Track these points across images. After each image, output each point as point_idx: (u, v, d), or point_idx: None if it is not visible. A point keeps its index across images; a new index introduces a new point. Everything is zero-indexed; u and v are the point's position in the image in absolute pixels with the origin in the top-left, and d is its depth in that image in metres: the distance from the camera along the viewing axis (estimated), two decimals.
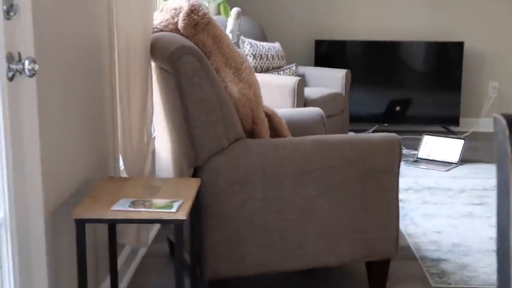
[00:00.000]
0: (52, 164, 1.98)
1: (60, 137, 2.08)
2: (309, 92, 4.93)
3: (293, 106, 4.61)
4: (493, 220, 3.63)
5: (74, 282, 2.22)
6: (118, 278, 2.55)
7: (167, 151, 2.82)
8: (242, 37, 5.09)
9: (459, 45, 5.89)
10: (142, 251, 3.17)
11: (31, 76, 1.74)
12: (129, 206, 2.07)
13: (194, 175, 2.50)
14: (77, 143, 2.24)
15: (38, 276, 1.88)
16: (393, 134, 2.66)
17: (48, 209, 1.96)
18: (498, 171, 1.44)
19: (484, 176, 4.55)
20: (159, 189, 2.25)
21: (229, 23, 4.60)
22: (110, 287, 2.48)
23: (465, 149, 4.96)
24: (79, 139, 2.26)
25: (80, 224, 2.03)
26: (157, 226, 3.51)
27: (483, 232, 3.45)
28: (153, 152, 3.20)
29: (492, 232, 3.44)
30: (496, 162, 1.45)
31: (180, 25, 2.64)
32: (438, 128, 6.05)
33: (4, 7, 1.68)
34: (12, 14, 1.70)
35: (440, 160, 4.91)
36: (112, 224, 2.43)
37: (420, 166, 4.80)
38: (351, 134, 2.66)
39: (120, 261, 2.84)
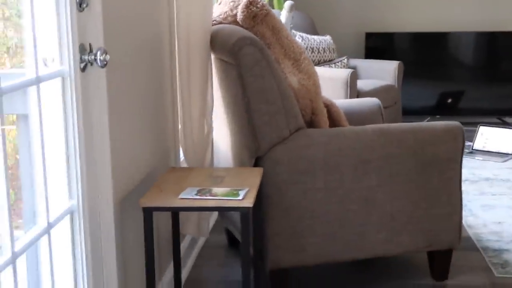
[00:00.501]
0: (119, 154, 2.02)
1: (126, 128, 2.12)
2: (361, 84, 4.91)
3: (346, 98, 4.59)
4: None
5: (141, 268, 2.26)
6: (181, 266, 2.58)
7: (226, 143, 2.84)
8: (293, 31, 5.09)
9: None
10: (200, 242, 3.20)
11: (102, 66, 1.77)
12: (196, 195, 2.09)
13: (255, 166, 2.52)
14: (141, 134, 2.28)
15: (108, 261, 1.92)
16: (456, 122, 2.63)
17: (117, 198, 2.00)
18: None
19: None
20: (223, 179, 2.27)
21: (282, 16, 4.61)
22: (174, 275, 2.51)
23: None
24: (142, 130, 2.30)
25: (148, 212, 2.06)
26: (214, 217, 3.54)
27: None
28: (212, 144, 3.23)
29: None
30: None
31: (239, 17, 2.66)
32: (492, 119, 5.95)
33: None
34: (84, 6, 1.74)
35: (496, 151, 4.84)
36: (175, 214, 2.47)
37: (476, 157, 4.74)
38: (412, 123, 2.63)
39: (181, 251, 2.88)
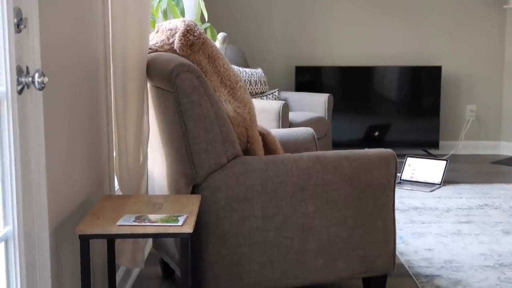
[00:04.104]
0: (54, 179, 1.97)
1: (61, 152, 2.07)
2: (293, 116, 4.97)
3: None
4: (482, 238, 3.68)
5: None
6: None
7: (161, 171, 2.81)
8: None
9: (437, 69, 5.99)
10: (135, 273, 3.14)
11: (40, 89, 1.73)
12: (134, 222, 2.06)
13: (192, 193, 2.50)
14: (75, 159, 2.23)
15: None
16: (388, 150, 2.70)
17: (52, 225, 1.95)
18: None
19: (468, 196, 4.61)
20: (161, 206, 2.25)
21: None
22: None
23: (446, 171, 5.02)
24: (77, 155, 2.25)
25: (85, 240, 2.01)
26: (148, 248, 3.48)
27: (474, 248, 3.49)
28: (146, 172, 3.18)
29: (483, 249, 3.48)
30: None
31: (176, 45, 2.66)
32: (418, 152, 6.13)
33: (15, 20, 1.68)
34: (22, 27, 1.71)
35: (423, 181, 4.97)
36: (111, 242, 2.41)
37: (404, 188, 4.85)
38: (347, 150, 2.68)
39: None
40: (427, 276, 3.11)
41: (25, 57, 1.75)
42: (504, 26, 6.15)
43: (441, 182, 4.92)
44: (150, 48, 2.77)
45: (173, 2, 3.93)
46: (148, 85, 2.77)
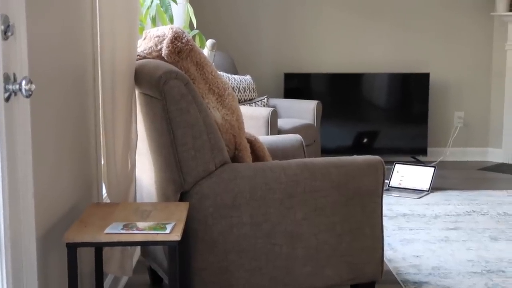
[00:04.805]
0: (41, 187, 1.96)
1: (48, 160, 2.06)
2: (282, 123, 4.98)
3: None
4: (470, 244, 3.69)
5: None
6: None
7: (150, 178, 2.81)
8: None
9: (425, 76, 6.02)
10: (123, 281, 3.13)
11: (27, 96, 1.73)
12: (121, 229, 2.05)
13: (180, 200, 2.50)
14: (63, 167, 2.23)
15: None
16: (376, 157, 2.71)
17: (39, 233, 1.94)
18: None
19: (456, 203, 4.63)
20: (149, 213, 2.24)
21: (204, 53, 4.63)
22: None
23: (434, 177, 5.04)
24: (65, 163, 2.25)
25: (72, 248, 2.00)
26: (136, 256, 3.47)
27: (461, 255, 3.50)
28: (135, 179, 3.18)
29: (471, 255, 3.49)
30: None
31: (164, 52, 2.66)
32: (407, 158, 6.15)
33: (2, 27, 1.67)
34: (9, 34, 1.70)
35: (411, 188, 4.99)
36: (99, 250, 2.41)
37: (392, 194, 4.87)
38: (335, 157, 2.69)
39: None
40: (415, 282, 3.12)
41: (12, 64, 1.74)
42: (492, 33, 6.19)
43: (429, 188, 4.94)
44: (138, 55, 2.77)
45: (162, 9, 3.93)
46: (136, 92, 2.76)
